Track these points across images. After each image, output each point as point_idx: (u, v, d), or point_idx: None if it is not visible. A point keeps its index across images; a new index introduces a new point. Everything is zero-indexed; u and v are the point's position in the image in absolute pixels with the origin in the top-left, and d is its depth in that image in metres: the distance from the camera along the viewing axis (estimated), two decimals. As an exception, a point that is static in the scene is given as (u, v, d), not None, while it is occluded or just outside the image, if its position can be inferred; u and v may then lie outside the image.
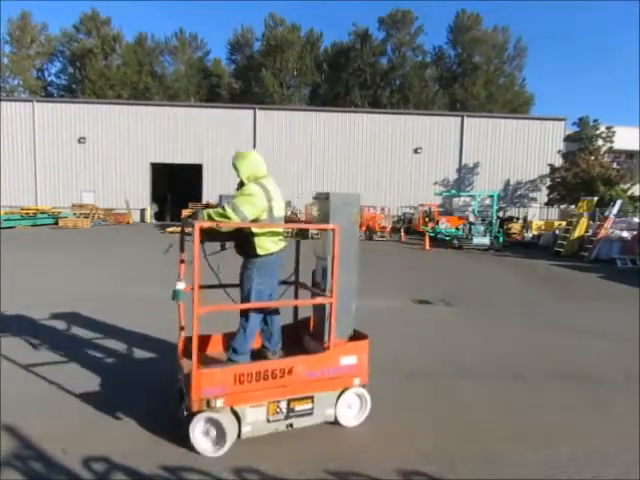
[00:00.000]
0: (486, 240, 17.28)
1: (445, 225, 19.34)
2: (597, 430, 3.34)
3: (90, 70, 42.43)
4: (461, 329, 6.03)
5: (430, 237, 17.98)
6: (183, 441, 2.91)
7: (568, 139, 28.84)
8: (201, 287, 3.40)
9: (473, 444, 3.07)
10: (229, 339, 3.39)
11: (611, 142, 26.58)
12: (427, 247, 16.78)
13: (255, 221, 3.11)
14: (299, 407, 3.07)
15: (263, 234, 3.14)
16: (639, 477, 2.74)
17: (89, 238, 17.65)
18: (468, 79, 44.59)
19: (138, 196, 29.48)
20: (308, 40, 46.95)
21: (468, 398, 3.82)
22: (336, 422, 3.20)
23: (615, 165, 26.52)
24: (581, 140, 26.99)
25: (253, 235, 3.11)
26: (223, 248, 3.35)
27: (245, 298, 3.24)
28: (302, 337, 3.69)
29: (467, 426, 3.33)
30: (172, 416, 3.21)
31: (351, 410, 3.25)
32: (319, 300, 3.36)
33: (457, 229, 18.48)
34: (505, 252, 16.61)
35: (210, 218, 2.98)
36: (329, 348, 3.14)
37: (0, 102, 29.08)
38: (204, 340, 3.48)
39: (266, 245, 3.15)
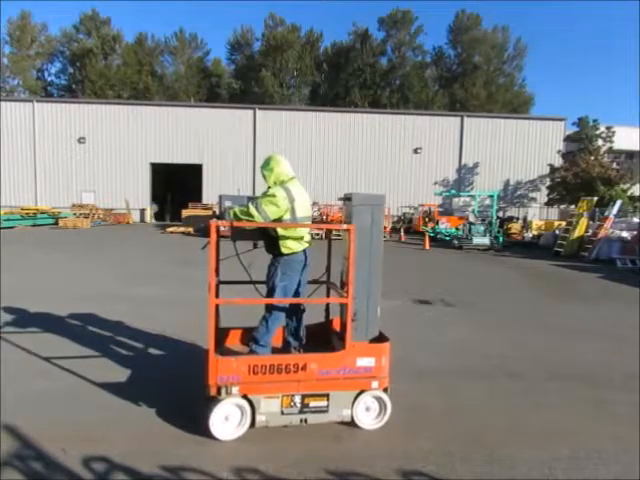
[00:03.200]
0: (486, 240, 17.28)
1: (445, 225, 19.36)
2: (597, 430, 3.34)
3: (90, 70, 42.44)
4: (461, 329, 6.03)
5: (430, 237, 18.00)
6: (182, 440, 2.91)
7: (568, 139, 28.84)
8: (233, 282, 3.81)
9: (473, 444, 3.07)
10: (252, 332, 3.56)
11: (611, 142, 26.59)
12: (427, 247, 16.80)
13: (278, 221, 3.27)
14: (313, 403, 3.12)
15: (287, 234, 3.31)
16: (639, 477, 2.75)
17: (89, 239, 17.65)
18: (468, 79, 44.60)
19: (138, 196, 29.48)
20: (308, 40, 46.96)
21: (468, 397, 3.83)
22: (353, 423, 3.20)
23: (615, 165, 26.52)
24: (581, 140, 26.99)
25: (277, 235, 3.30)
26: (255, 247, 3.57)
27: (269, 293, 3.43)
28: (330, 336, 3.76)
29: (467, 426, 3.33)
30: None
31: (369, 413, 3.24)
32: (333, 299, 3.52)
33: (457, 229, 18.48)
34: (505, 252, 16.61)
35: (236, 216, 3.19)
36: (344, 348, 3.16)
37: (0, 102, 29.09)
38: (235, 333, 3.71)
39: (289, 244, 3.33)
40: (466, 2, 55.05)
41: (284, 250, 3.31)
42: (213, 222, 2.98)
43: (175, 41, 47.74)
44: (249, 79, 45.90)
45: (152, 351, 4.70)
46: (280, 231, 3.28)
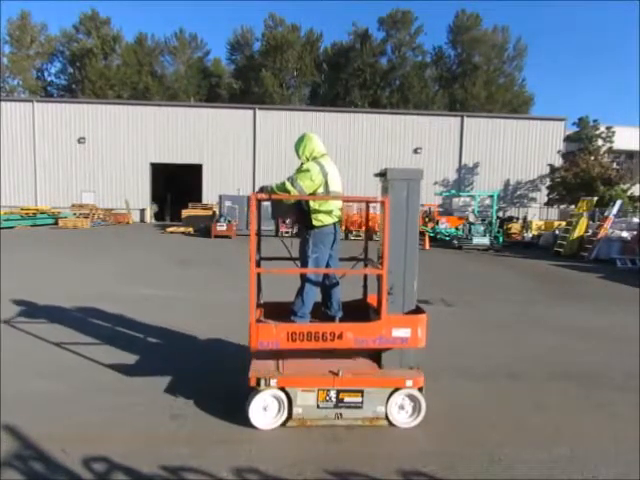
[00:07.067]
0: (486, 240, 17.28)
1: (445, 225, 19.33)
2: (597, 430, 3.34)
3: (90, 70, 42.39)
4: (460, 329, 6.03)
5: (430, 237, 18.00)
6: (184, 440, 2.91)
7: (568, 139, 28.84)
8: (272, 258, 3.98)
9: (473, 444, 3.07)
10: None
11: (611, 142, 26.59)
12: (427, 247, 16.79)
13: (312, 194, 3.41)
14: (348, 399, 3.18)
15: (318, 207, 3.44)
16: (639, 477, 2.74)
17: (89, 239, 17.65)
18: (468, 79, 44.55)
19: (138, 196, 29.47)
20: (308, 40, 46.92)
21: (468, 397, 3.83)
22: (389, 421, 3.25)
23: (615, 165, 26.52)
24: (581, 140, 26.98)
25: (310, 208, 3.45)
26: (294, 223, 3.67)
27: (302, 265, 3.58)
28: (368, 312, 3.80)
29: (467, 425, 3.33)
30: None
31: (403, 411, 3.27)
32: (369, 270, 3.64)
33: (457, 229, 18.48)
34: (505, 252, 16.61)
35: (273, 191, 3.37)
36: (380, 318, 3.20)
37: (0, 102, 29.08)
38: (280, 306, 3.77)
39: (321, 217, 3.46)
40: (466, 2, 55.03)
41: (315, 223, 3.45)
42: (253, 194, 3.20)
43: (175, 41, 47.70)
44: (249, 79, 45.86)
45: (156, 351, 4.70)
46: (312, 205, 3.43)
